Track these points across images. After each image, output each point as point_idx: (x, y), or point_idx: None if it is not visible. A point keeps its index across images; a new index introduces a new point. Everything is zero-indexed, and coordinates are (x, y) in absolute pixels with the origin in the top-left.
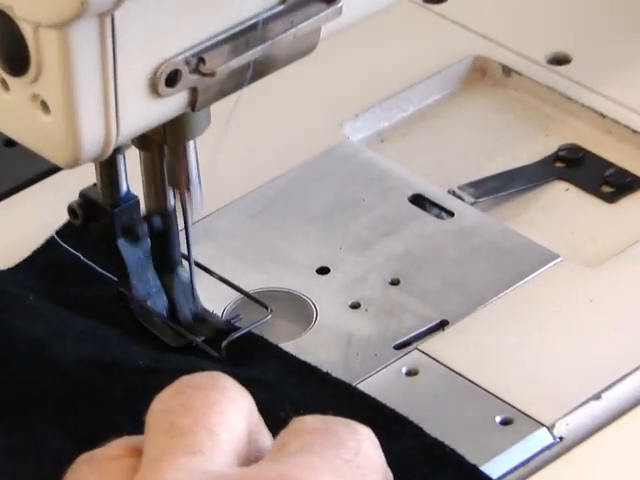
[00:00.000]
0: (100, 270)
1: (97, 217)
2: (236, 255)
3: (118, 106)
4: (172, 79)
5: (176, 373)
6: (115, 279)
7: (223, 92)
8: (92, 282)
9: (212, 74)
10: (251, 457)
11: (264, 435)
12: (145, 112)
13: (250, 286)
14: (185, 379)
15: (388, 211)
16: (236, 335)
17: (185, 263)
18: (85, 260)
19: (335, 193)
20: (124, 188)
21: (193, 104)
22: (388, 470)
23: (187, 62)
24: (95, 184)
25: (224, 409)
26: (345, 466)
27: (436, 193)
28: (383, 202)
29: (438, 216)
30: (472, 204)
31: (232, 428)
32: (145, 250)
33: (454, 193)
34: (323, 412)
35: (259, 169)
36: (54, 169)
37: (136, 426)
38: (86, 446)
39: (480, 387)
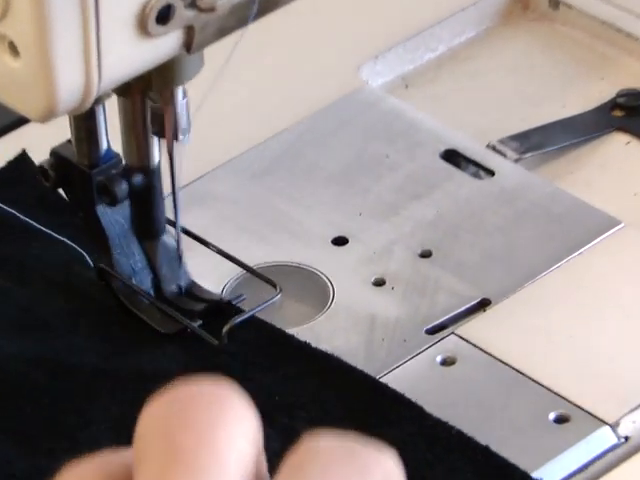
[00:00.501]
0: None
1: (72, 179)
2: (236, 224)
3: (100, 48)
4: (164, 15)
5: (130, 376)
6: (61, 239)
7: (223, 31)
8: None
9: (211, 9)
10: None
11: (264, 463)
12: (132, 55)
13: (253, 260)
14: (184, 387)
15: (416, 170)
16: (239, 319)
17: (171, 230)
18: (22, 217)
19: (353, 149)
20: (104, 145)
21: (188, 45)
22: None
23: None
24: (69, 140)
25: (232, 429)
26: None
27: (473, 148)
28: (410, 159)
29: (475, 175)
30: (515, 161)
31: (239, 453)
32: (126, 218)
33: (494, 148)
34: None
35: (262, 121)
36: (20, 121)
37: (83, 428)
38: (24, 447)
39: (529, 378)
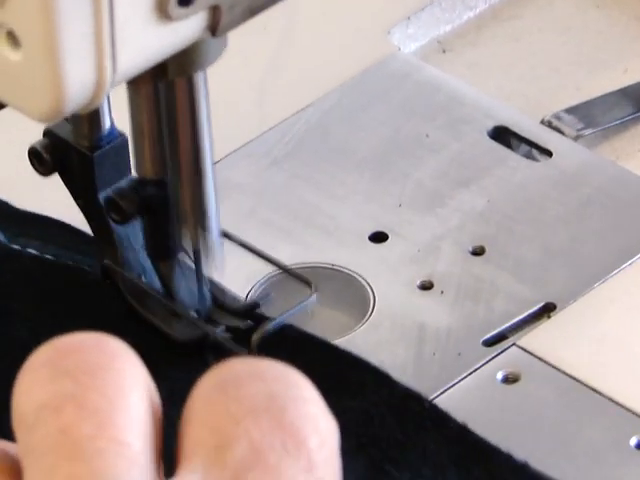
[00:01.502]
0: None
1: (70, 164)
2: (257, 218)
3: (114, 35)
4: None
5: None
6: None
7: (253, 10)
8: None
9: None
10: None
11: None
12: (150, 42)
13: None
14: (64, 350)
15: (462, 151)
16: (273, 324)
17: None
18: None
19: (387, 127)
20: (107, 123)
21: (214, 28)
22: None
23: None
24: (65, 118)
25: (129, 399)
26: None
27: (525, 125)
28: (454, 139)
29: (529, 156)
30: (575, 139)
31: (142, 426)
32: (134, 232)
33: (549, 124)
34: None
35: (282, 97)
36: None
37: None
38: None
39: (606, 397)
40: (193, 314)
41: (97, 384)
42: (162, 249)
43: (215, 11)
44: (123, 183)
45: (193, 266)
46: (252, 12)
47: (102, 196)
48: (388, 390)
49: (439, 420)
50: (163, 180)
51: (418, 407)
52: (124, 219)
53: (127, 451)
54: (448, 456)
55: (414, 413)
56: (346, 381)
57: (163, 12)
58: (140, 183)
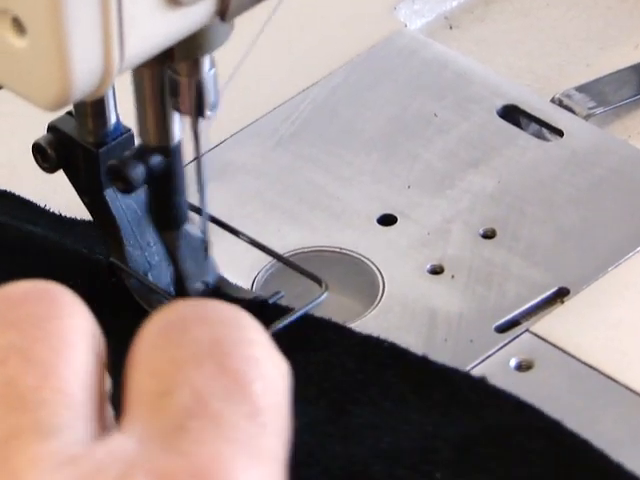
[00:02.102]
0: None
1: (75, 160)
2: (262, 201)
3: (122, 21)
4: None
5: None
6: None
7: None
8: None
9: None
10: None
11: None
12: (159, 28)
13: (286, 246)
14: (9, 300)
15: (471, 131)
16: (288, 321)
17: (195, 217)
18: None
19: (394, 106)
20: (112, 119)
21: (223, 12)
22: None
23: None
24: (69, 112)
25: (74, 350)
26: (250, 429)
27: (535, 103)
28: (463, 118)
29: (540, 136)
30: (586, 117)
31: (86, 376)
32: (140, 203)
33: (560, 102)
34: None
35: (287, 75)
36: None
37: None
38: None
39: (622, 385)
40: (200, 285)
41: (42, 335)
42: (167, 219)
43: None
44: (127, 152)
45: (199, 235)
46: None
47: (104, 170)
48: (348, 340)
49: (399, 356)
50: (167, 147)
51: (377, 348)
52: (129, 188)
53: (71, 401)
54: (409, 387)
55: (373, 354)
56: (311, 340)
57: None
58: (144, 151)
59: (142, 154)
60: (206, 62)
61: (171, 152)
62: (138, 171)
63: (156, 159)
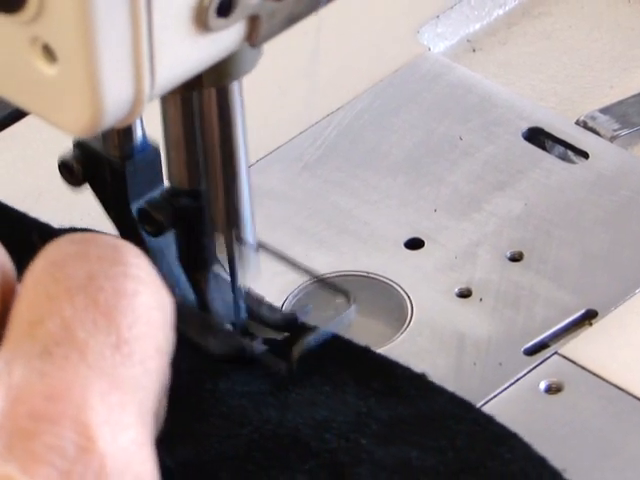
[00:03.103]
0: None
1: (101, 175)
2: (289, 225)
3: (153, 47)
4: (226, 6)
5: None
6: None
7: (292, 19)
8: None
9: None
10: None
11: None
12: (189, 54)
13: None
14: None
15: (496, 154)
16: (314, 338)
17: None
18: None
19: (420, 130)
20: (138, 133)
21: (253, 37)
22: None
23: None
24: None
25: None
26: (114, 358)
27: (560, 125)
28: (488, 141)
29: (565, 158)
30: (611, 139)
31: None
32: (167, 244)
33: (585, 124)
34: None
35: (312, 100)
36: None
37: None
38: None
39: None
40: (229, 327)
41: None
42: (196, 260)
43: (254, 21)
44: (156, 194)
45: (228, 277)
46: (291, 21)
47: (134, 207)
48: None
49: (342, 346)
50: (197, 190)
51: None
52: (157, 231)
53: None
54: (349, 374)
55: (318, 346)
56: None
57: (202, 23)
58: (173, 194)
59: (171, 197)
60: (236, 89)
61: (201, 195)
62: (167, 215)
63: (185, 201)
